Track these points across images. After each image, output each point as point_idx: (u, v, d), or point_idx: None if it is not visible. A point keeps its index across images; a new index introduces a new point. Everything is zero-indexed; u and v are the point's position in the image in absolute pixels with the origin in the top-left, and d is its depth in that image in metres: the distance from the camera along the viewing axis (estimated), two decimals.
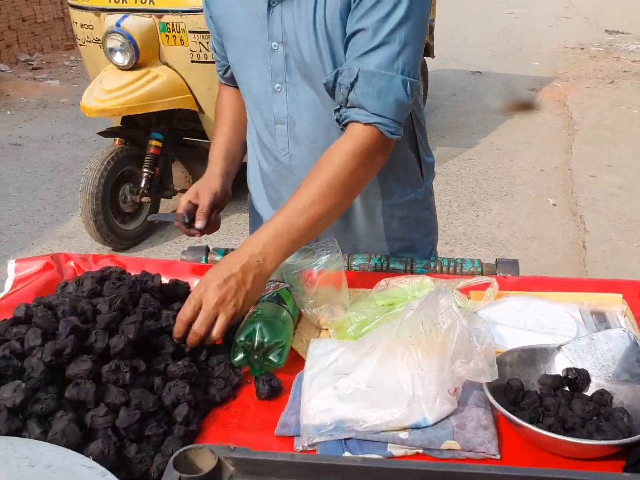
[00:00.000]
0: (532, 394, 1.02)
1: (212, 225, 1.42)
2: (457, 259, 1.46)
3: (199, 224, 1.36)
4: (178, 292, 1.25)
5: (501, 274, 1.42)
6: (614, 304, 1.27)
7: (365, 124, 1.20)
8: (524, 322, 1.19)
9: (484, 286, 1.28)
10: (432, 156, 1.55)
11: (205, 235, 1.45)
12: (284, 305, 1.16)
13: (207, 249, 1.51)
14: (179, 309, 1.15)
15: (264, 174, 1.50)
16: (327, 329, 1.22)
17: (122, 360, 0.98)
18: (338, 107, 1.24)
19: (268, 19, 1.28)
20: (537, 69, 8.13)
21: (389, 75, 1.18)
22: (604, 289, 1.32)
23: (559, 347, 1.07)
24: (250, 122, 1.48)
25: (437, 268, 1.44)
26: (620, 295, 1.28)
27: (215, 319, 1.08)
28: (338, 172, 1.19)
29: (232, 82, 1.53)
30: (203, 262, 1.48)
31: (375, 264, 1.45)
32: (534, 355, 1.08)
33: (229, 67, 1.50)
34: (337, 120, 1.26)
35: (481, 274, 1.43)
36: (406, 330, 1.02)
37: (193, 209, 1.40)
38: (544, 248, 3.94)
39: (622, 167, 5.07)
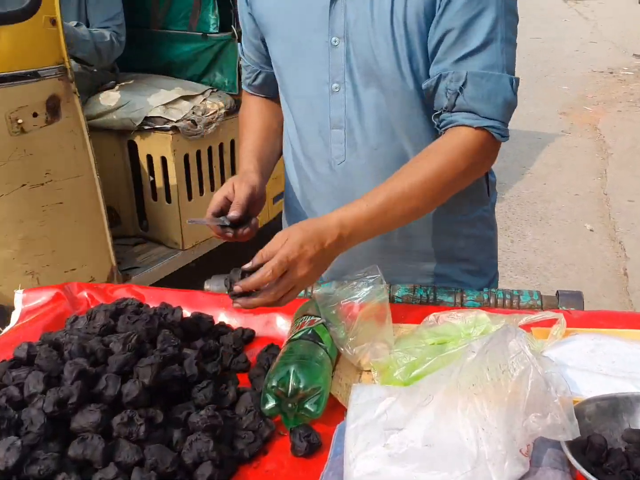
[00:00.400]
0: (617, 453, 0.86)
1: (249, 229, 1.22)
2: (513, 290, 1.31)
3: (234, 213, 1.17)
4: (201, 327, 1.12)
5: (564, 308, 1.26)
6: None
7: (476, 127, 1.13)
8: (597, 364, 1.03)
9: (548, 323, 1.12)
10: (494, 174, 1.42)
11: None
12: (320, 343, 1.01)
13: None
14: (202, 348, 1.01)
15: (309, 187, 1.35)
16: (369, 371, 1.07)
17: (136, 410, 0.84)
18: (439, 111, 1.17)
19: (330, 12, 1.18)
20: (566, 93, 7.97)
21: (497, 75, 1.12)
22: None
23: None
24: (293, 131, 1.34)
25: (492, 301, 1.28)
26: None
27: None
28: (446, 170, 1.12)
29: (260, 90, 1.44)
30: None
31: (421, 295, 1.30)
32: (615, 406, 0.92)
33: (259, 72, 1.40)
34: (438, 125, 1.18)
35: (541, 307, 1.27)
36: (468, 377, 0.87)
37: (228, 206, 1.21)
38: (583, 276, 3.76)
39: None
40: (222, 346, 1.10)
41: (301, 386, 0.93)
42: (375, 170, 1.23)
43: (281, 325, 1.20)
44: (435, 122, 1.19)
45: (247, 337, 1.16)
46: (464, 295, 1.29)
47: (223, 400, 0.95)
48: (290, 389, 0.93)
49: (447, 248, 1.35)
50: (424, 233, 1.31)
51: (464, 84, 1.11)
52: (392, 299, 1.30)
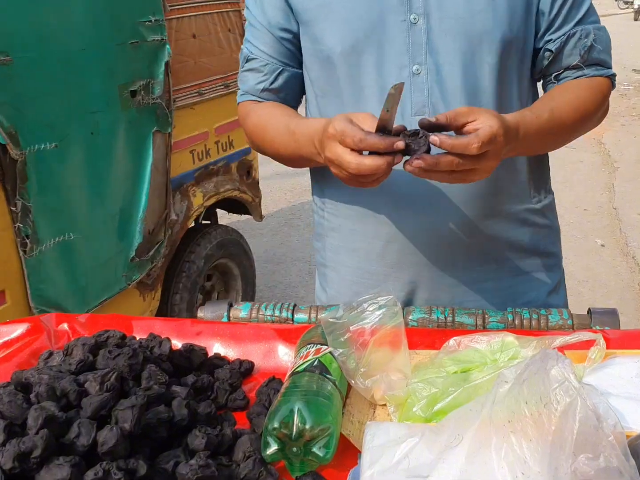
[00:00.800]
0: None
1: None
2: (540, 309, 1.18)
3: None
4: (193, 361, 0.99)
5: (598, 327, 1.14)
6: None
7: (606, 77, 1.21)
8: None
9: (584, 345, 1.00)
10: None
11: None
12: (327, 376, 0.88)
13: (229, 304, 1.25)
14: (194, 384, 0.89)
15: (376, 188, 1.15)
16: (384, 406, 0.94)
17: (114, 462, 0.72)
18: (560, 71, 1.20)
19: None
20: None
21: (605, 28, 1.21)
22: None
23: None
24: None
25: (517, 322, 1.15)
26: None
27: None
28: (590, 108, 1.18)
29: (277, 94, 1.27)
30: (225, 319, 1.21)
31: (438, 317, 1.17)
32: None
33: (282, 72, 1.25)
34: (554, 82, 1.21)
35: (572, 327, 1.15)
36: (503, 411, 0.74)
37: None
38: (597, 292, 3.63)
39: None
40: (216, 381, 0.97)
41: (307, 426, 0.79)
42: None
43: (283, 355, 1.07)
44: (553, 84, 1.21)
45: (245, 370, 1.03)
46: (486, 316, 1.17)
47: (217, 445, 0.82)
48: (294, 430, 0.80)
49: (524, 242, 1.27)
50: (497, 226, 1.23)
51: (594, 39, 1.17)
52: (406, 323, 1.17)
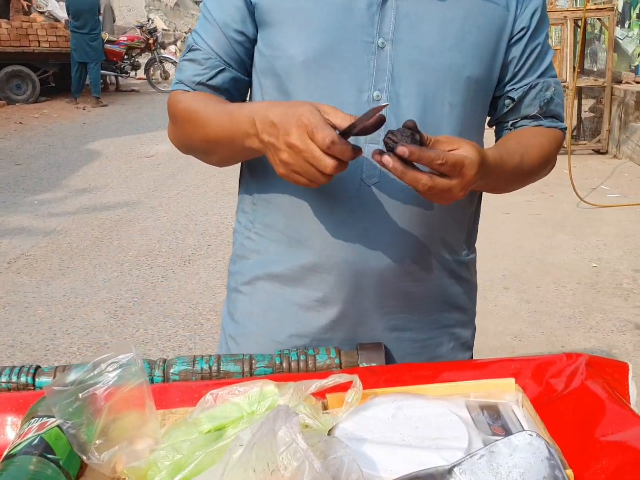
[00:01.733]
0: None
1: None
2: (309, 349, 1.14)
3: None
4: None
5: (365, 364, 1.11)
6: (506, 392, 1.00)
7: (560, 129, 1.25)
8: (400, 433, 0.88)
9: (346, 386, 0.96)
10: None
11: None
12: (49, 456, 0.76)
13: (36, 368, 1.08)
14: None
15: (317, 209, 1.11)
16: None
17: None
18: (517, 119, 1.22)
19: (380, 10, 1.06)
20: None
21: (560, 82, 1.24)
22: (492, 372, 1.05)
23: (450, 470, 0.77)
24: None
25: (285, 365, 1.10)
26: (512, 380, 1.01)
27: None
28: (549, 154, 1.20)
29: (211, 90, 1.16)
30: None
31: (202, 368, 1.09)
32: None
33: (223, 70, 1.15)
34: (510, 129, 1.23)
35: (339, 366, 1.11)
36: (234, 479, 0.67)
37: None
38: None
39: None
40: None
41: None
42: (411, 198, 1.08)
43: (10, 432, 0.93)
44: (508, 130, 1.23)
45: None
46: (253, 361, 1.10)
47: None
48: None
49: (444, 293, 1.22)
50: (427, 272, 1.18)
51: (554, 92, 1.21)
52: (167, 378, 1.08)
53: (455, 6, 1.08)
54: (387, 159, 0.93)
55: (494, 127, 1.28)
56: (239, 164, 1.27)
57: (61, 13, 12.28)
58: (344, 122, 0.94)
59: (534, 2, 1.15)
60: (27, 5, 12.19)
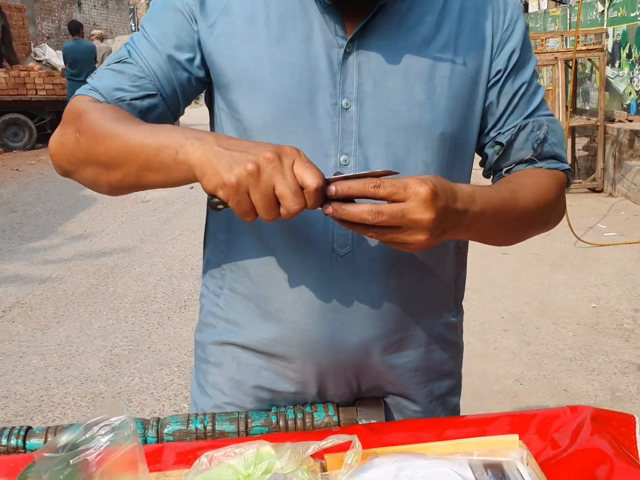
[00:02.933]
0: None
1: None
2: (306, 406, 1.11)
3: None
4: None
5: (364, 421, 1.08)
6: (511, 449, 0.97)
7: (562, 170, 1.14)
8: None
9: (345, 446, 0.93)
10: None
11: None
12: None
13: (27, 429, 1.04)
14: None
15: (288, 278, 1.04)
16: None
17: None
18: (511, 165, 1.11)
19: (341, 70, 0.99)
20: None
21: (557, 121, 1.15)
22: (494, 427, 1.02)
23: None
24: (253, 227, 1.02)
25: (281, 423, 1.07)
26: (516, 437, 0.98)
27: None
28: (550, 197, 1.09)
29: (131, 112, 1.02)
30: None
31: (197, 427, 1.06)
32: None
33: (155, 96, 1.03)
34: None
35: (338, 423, 1.09)
36: None
37: None
38: None
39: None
40: None
41: None
42: (385, 266, 1.02)
43: None
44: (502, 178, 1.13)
45: None
46: (249, 420, 1.08)
47: None
48: None
49: (433, 361, 1.16)
50: (413, 346, 1.11)
51: (547, 131, 1.11)
52: (161, 438, 1.05)
53: (417, 60, 1.01)
54: (325, 206, 0.84)
55: (490, 178, 1.17)
56: (205, 222, 1.18)
57: (58, 61, 12.44)
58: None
59: (511, 43, 1.08)
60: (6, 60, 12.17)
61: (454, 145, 1.05)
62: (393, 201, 0.84)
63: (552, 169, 1.12)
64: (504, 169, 1.12)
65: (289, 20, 1.00)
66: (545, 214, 1.10)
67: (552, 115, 1.14)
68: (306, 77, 0.99)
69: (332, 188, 0.83)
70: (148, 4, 26.31)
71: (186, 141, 0.87)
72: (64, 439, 0.84)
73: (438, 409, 1.19)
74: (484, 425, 1.03)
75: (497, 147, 1.11)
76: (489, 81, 1.07)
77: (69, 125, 1.02)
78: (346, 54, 1.00)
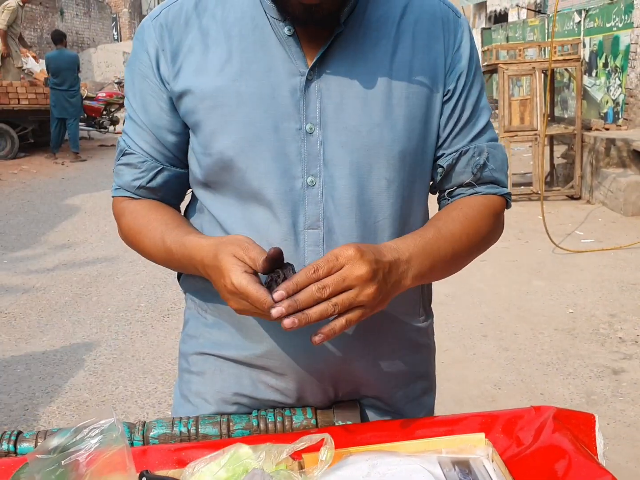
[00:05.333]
0: None
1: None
2: (285, 409, 1.16)
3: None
4: None
5: (340, 422, 1.14)
6: (477, 447, 1.03)
7: (500, 195, 1.19)
8: None
9: (320, 445, 0.99)
10: None
11: None
12: None
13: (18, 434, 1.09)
14: None
15: None
16: None
17: None
18: (453, 188, 1.18)
19: (303, 96, 1.05)
20: None
21: (501, 146, 1.20)
22: (463, 427, 1.08)
23: None
24: (249, 236, 1.07)
25: (262, 426, 1.13)
26: (482, 435, 1.04)
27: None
28: (481, 225, 1.15)
29: (154, 193, 1.18)
30: None
31: (181, 431, 1.11)
32: None
33: (161, 170, 1.15)
34: (447, 199, 1.20)
35: (316, 425, 1.14)
36: None
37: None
38: None
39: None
40: None
41: None
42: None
43: None
44: (446, 200, 1.20)
45: None
46: (231, 423, 1.13)
47: None
48: None
49: (411, 364, 1.22)
50: (387, 353, 1.18)
51: (487, 157, 1.16)
52: (147, 441, 1.10)
53: (375, 83, 1.07)
54: (277, 311, 0.90)
55: (436, 195, 1.24)
56: None
57: (39, 69, 12.42)
58: (259, 257, 0.94)
59: (459, 66, 1.13)
60: None
61: (413, 161, 1.11)
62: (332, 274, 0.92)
63: (490, 194, 1.17)
64: (447, 191, 1.19)
65: (251, 54, 1.07)
66: (477, 243, 1.15)
67: (496, 139, 1.20)
68: (271, 106, 1.05)
69: (281, 293, 0.90)
70: (130, 13, 26.33)
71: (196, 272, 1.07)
72: (55, 441, 0.90)
73: (415, 410, 1.25)
74: (454, 425, 1.10)
75: (440, 169, 1.17)
76: (444, 96, 1.12)
77: (118, 224, 1.22)
78: (308, 82, 1.05)
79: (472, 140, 1.16)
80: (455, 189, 1.18)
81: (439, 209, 1.21)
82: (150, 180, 1.16)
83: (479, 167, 1.15)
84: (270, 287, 0.93)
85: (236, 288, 0.93)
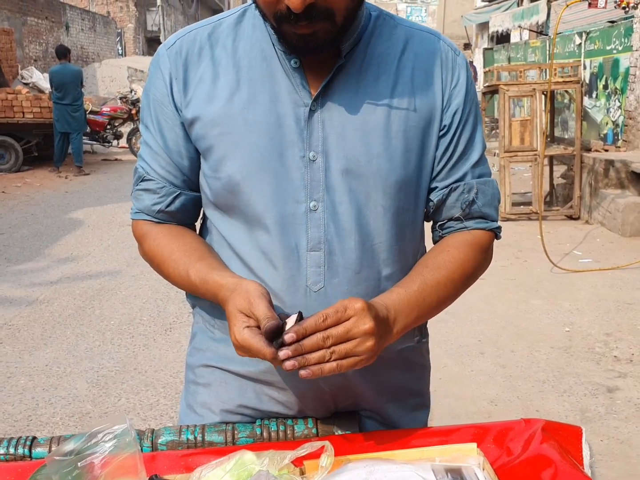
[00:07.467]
0: None
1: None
2: (287, 419, 1.22)
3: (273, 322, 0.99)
4: None
5: (340, 432, 1.20)
6: (469, 456, 1.09)
7: (488, 230, 1.24)
8: None
9: (320, 453, 1.04)
10: None
11: None
12: None
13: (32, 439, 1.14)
14: None
15: None
16: None
17: None
18: (444, 221, 1.24)
19: (307, 125, 1.12)
20: None
21: (491, 180, 1.25)
22: (456, 437, 1.14)
23: None
24: (255, 256, 1.15)
25: (265, 435, 1.18)
26: (474, 445, 1.10)
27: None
28: (467, 266, 1.20)
29: (173, 217, 1.24)
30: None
31: (188, 438, 1.17)
32: None
33: (179, 195, 1.22)
34: (440, 233, 1.26)
35: (317, 435, 1.20)
36: None
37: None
38: None
39: None
40: None
41: None
42: (357, 296, 1.10)
43: None
44: (438, 231, 1.27)
45: None
46: (236, 431, 1.19)
47: None
48: None
49: (404, 380, 1.29)
50: (382, 371, 1.23)
51: (476, 194, 1.21)
52: (155, 447, 1.16)
53: (375, 115, 1.13)
54: (287, 360, 0.96)
55: (430, 223, 1.30)
56: None
57: (45, 84, 12.54)
58: (263, 315, 0.99)
59: (455, 102, 1.18)
60: None
61: (408, 190, 1.17)
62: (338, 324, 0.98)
63: (479, 229, 1.23)
64: (438, 223, 1.26)
65: (259, 84, 1.13)
66: (463, 284, 1.21)
67: (488, 174, 1.25)
68: (276, 134, 1.11)
69: (291, 335, 0.96)
70: (135, 28, 26.56)
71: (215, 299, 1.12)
72: (70, 445, 0.96)
73: (409, 424, 1.30)
74: (447, 435, 1.16)
75: (431, 203, 1.23)
76: (440, 130, 1.18)
77: (139, 244, 1.28)
78: (311, 112, 1.12)
79: (464, 174, 1.21)
80: (446, 222, 1.24)
81: (432, 237, 1.29)
82: (169, 205, 1.22)
83: (468, 203, 1.21)
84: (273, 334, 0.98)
85: (238, 342, 1.00)
